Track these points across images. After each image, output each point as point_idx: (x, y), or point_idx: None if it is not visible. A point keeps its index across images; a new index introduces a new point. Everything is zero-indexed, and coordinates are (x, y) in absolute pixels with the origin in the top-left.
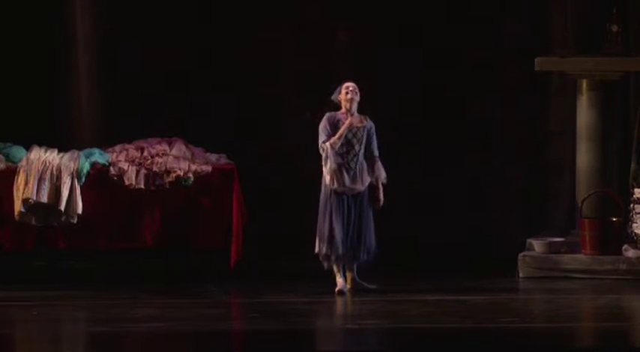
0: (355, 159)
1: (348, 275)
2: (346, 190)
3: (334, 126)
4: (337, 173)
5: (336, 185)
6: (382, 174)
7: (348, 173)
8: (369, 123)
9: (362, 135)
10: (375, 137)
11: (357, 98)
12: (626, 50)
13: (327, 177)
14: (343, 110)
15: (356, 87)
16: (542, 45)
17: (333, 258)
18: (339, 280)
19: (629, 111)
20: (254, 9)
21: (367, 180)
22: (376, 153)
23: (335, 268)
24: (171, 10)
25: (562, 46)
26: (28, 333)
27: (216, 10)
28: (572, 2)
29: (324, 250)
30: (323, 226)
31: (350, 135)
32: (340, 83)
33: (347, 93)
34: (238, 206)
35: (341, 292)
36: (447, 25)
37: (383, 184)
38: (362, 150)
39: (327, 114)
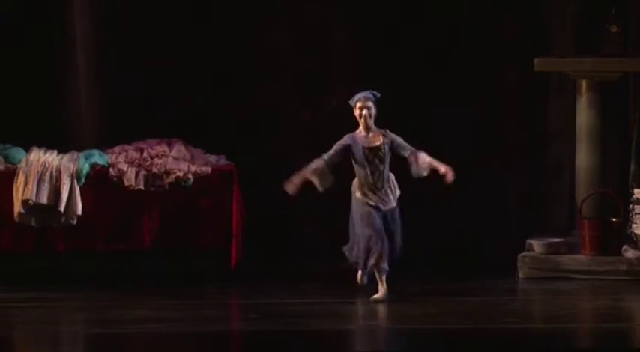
0: (381, 179)
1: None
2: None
3: (348, 149)
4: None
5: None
6: (426, 159)
7: (376, 193)
8: (388, 138)
9: (384, 153)
10: (399, 141)
11: (373, 112)
12: (625, 51)
13: (356, 191)
14: (363, 131)
15: (369, 102)
16: (541, 45)
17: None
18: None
19: (628, 111)
20: (253, 10)
21: (397, 195)
22: (409, 150)
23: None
24: (170, 10)
25: (561, 46)
26: (27, 335)
27: (214, 11)
28: (572, 2)
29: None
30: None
31: (371, 156)
32: (354, 93)
33: (360, 115)
34: (238, 207)
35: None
36: (445, 26)
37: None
38: (387, 168)
39: (349, 135)
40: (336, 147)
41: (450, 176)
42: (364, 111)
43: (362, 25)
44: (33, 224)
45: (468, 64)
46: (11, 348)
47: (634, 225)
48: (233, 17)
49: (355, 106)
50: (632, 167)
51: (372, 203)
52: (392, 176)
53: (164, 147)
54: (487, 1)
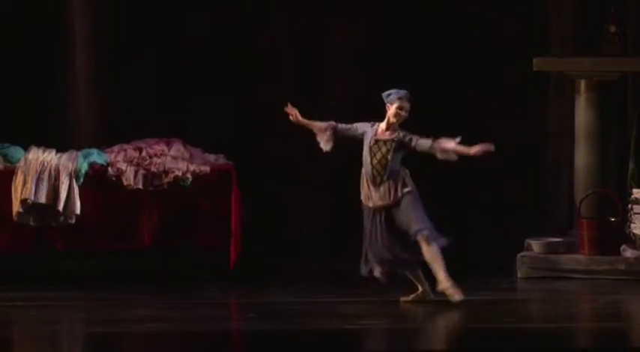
0: (382, 174)
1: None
2: (377, 206)
3: (362, 134)
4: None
5: (363, 199)
6: (449, 146)
7: (377, 188)
8: (401, 135)
9: (389, 148)
10: (413, 136)
11: (405, 116)
12: (624, 50)
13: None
14: (384, 125)
15: (408, 104)
16: (540, 45)
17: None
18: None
19: (627, 111)
20: (253, 9)
21: (404, 190)
22: (429, 141)
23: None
24: (169, 10)
25: (560, 46)
26: (25, 334)
27: (214, 11)
28: (570, 2)
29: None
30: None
31: (375, 148)
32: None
33: (395, 114)
34: (237, 206)
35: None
36: (444, 25)
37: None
38: (390, 164)
39: (371, 123)
40: (354, 125)
41: (483, 148)
42: (402, 112)
43: (361, 25)
44: (31, 223)
45: (466, 63)
46: (10, 348)
47: (633, 225)
48: (232, 17)
49: (393, 103)
50: (631, 166)
51: (370, 204)
52: (404, 172)
53: (163, 147)
54: (486, 0)
